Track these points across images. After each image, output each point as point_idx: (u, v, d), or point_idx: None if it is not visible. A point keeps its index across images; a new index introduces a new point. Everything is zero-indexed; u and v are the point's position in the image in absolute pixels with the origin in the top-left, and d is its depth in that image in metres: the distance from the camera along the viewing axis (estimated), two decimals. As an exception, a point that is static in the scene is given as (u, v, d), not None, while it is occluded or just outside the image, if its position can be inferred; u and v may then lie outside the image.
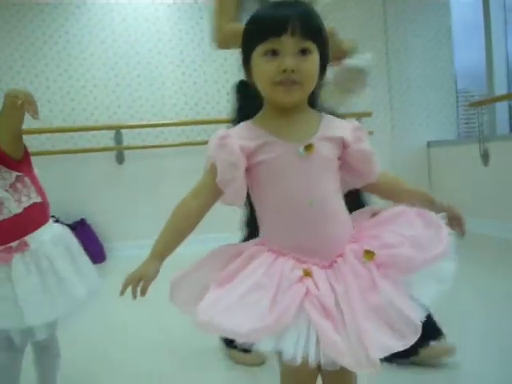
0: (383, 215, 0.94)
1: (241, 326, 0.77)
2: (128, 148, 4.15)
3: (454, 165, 4.17)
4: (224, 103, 4.30)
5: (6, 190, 1.29)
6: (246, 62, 0.93)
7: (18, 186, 1.31)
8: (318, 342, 0.77)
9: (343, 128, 0.94)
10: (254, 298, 0.80)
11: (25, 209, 1.31)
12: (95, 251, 3.90)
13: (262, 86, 0.91)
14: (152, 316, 2.39)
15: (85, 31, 4.13)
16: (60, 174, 3.96)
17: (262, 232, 0.95)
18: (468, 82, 4.89)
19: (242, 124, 0.95)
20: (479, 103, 3.88)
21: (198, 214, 0.93)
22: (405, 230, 0.90)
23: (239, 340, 0.77)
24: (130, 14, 4.19)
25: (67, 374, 1.63)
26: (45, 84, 4.08)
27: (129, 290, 0.88)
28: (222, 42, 1.59)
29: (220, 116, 4.21)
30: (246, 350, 1.59)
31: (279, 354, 0.78)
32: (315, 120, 0.95)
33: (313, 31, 0.89)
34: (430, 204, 0.97)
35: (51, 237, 1.34)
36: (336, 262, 0.88)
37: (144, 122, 4.19)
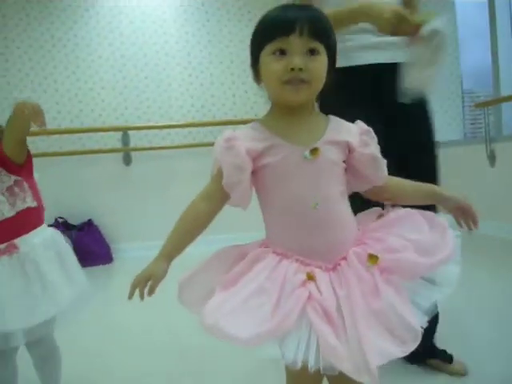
0: (388, 217, 0.94)
1: (243, 331, 0.77)
2: (135, 149, 4.18)
3: (461, 166, 4.15)
4: (230, 105, 4.32)
5: (2, 193, 1.30)
6: (255, 62, 0.94)
7: (16, 189, 1.33)
8: (318, 346, 0.77)
9: (350, 131, 0.95)
10: (257, 302, 0.81)
11: (18, 212, 1.31)
12: (102, 252, 3.92)
13: (269, 85, 0.92)
14: (159, 316, 2.41)
15: (93, 34, 4.17)
16: (68, 175, 3.99)
17: (266, 233, 0.95)
18: (474, 83, 4.88)
19: (250, 125, 0.95)
20: (485, 104, 3.87)
21: (207, 216, 0.94)
22: (409, 233, 0.90)
23: (241, 345, 0.78)
24: (138, 17, 4.22)
25: (71, 375, 1.64)
26: (53, 86, 4.12)
27: (137, 291, 0.89)
28: None
29: (226, 117, 4.23)
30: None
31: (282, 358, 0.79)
32: (322, 123, 0.95)
33: (321, 32, 0.89)
34: (438, 197, 0.96)
35: (42, 240, 1.34)
36: (340, 264, 0.88)
37: (151, 124, 4.22)
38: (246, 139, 0.90)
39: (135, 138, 4.19)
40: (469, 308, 2.21)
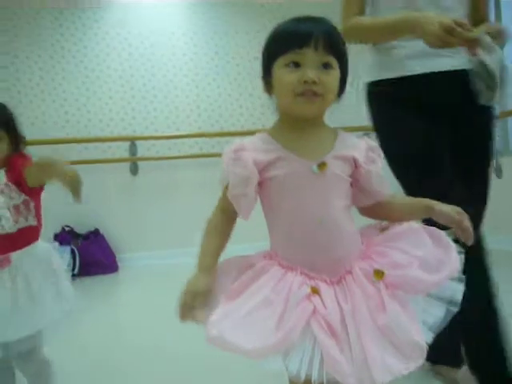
0: (392, 232, 0.94)
1: (247, 344, 0.77)
2: (142, 159, 4.20)
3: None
4: (237, 116, 4.34)
5: (9, 209, 1.31)
6: (266, 73, 0.94)
7: (22, 208, 1.34)
8: (322, 360, 0.77)
9: (357, 147, 0.95)
10: (262, 314, 0.81)
11: (19, 229, 1.33)
12: (108, 261, 3.93)
13: (282, 97, 0.91)
14: (166, 325, 2.41)
15: (102, 45, 4.22)
16: (75, 184, 4.02)
17: (271, 245, 0.96)
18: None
19: (258, 135, 0.95)
20: (492, 118, 3.85)
21: (227, 228, 0.97)
22: (414, 248, 0.89)
23: (245, 357, 0.78)
24: (146, 28, 4.28)
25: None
26: (62, 96, 4.17)
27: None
28: (344, 35, 1.46)
29: (233, 128, 4.25)
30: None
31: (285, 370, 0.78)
32: (330, 137, 0.95)
33: (335, 47, 0.90)
34: (433, 212, 0.95)
35: (35, 255, 1.36)
36: (344, 278, 0.88)
37: (158, 134, 4.25)
38: (253, 150, 0.90)
39: (142, 148, 4.22)
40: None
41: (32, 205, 1.37)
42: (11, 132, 1.35)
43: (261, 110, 4.27)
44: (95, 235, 4.01)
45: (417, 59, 1.33)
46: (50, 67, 4.15)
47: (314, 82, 0.86)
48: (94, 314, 2.58)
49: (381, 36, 1.35)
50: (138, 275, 3.69)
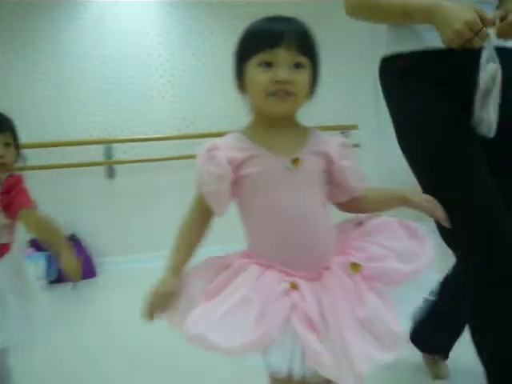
0: (368, 226, 0.96)
1: (227, 342, 0.78)
2: (118, 162, 4.15)
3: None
4: (213, 117, 4.33)
5: None
6: (239, 73, 0.95)
7: (3, 231, 1.35)
8: (303, 354, 0.78)
9: (330, 144, 0.97)
10: (241, 312, 0.82)
11: None
12: (85, 267, 3.87)
13: (254, 96, 0.93)
14: (146, 330, 2.38)
15: (76, 46, 4.15)
16: (50, 188, 3.95)
17: (248, 244, 0.96)
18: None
19: (232, 134, 0.97)
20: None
21: (203, 226, 0.97)
22: (390, 241, 0.92)
23: (226, 355, 0.78)
24: (121, 29, 4.23)
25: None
26: (36, 98, 4.08)
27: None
28: (350, 11, 1.31)
29: (210, 130, 4.24)
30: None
31: (267, 367, 0.79)
32: (303, 134, 0.97)
33: (308, 47, 0.91)
34: (407, 202, 0.98)
35: (5, 268, 1.35)
36: (322, 274, 0.89)
37: (135, 137, 4.21)
38: (227, 149, 0.92)
39: (119, 151, 4.17)
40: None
41: (13, 227, 1.38)
42: (16, 140, 1.43)
43: (237, 112, 4.23)
44: (72, 240, 3.94)
45: (435, 32, 1.14)
46: (23, 68, 4.06)
47: (287, 82, 0.88)
48: (72, 319, 2.54)
49: (390, 16, 1.21)
50: (118, 279, 3.64)
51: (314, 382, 0.78)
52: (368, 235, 0.94)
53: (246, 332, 0.79)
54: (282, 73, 0.87)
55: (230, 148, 0.92)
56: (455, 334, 1.57)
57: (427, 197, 0.98)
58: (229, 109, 4.23)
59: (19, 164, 1.43)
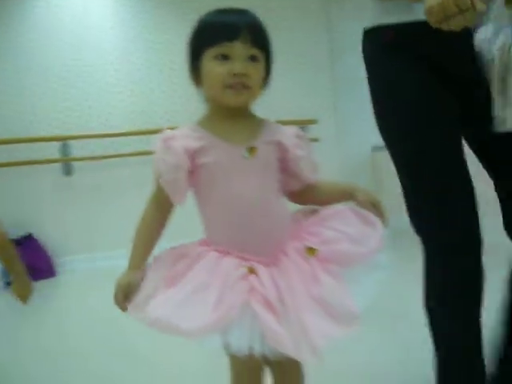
0: (322, 213, 1.01)
1: (186, 324, 0.81)
2: (75, 159, 4.07)
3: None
4: (171, 112, 4.30)
5: None
6: (193, 64, 0.96)
7: None
8: (262, 334, 0.82)
9: (284, 133, 1.00)
10: (200, 297, 0.84)
11: None
12: (44, 267, 3.78)
13: (211, 88, 0.95)
14: (112, 328, 2.37)
15: (31, 41, 4.02)
16: (4, 187, 3.82)
17: (206, 232, 0.99)
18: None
19: (188, 126, 0.99)
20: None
21: (161, 220, 0.99)
22: (343, 226, 0.96)
23: (186, 337, 0.81)
24: (76, 24, 4.12)
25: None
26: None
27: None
28: None
29: (168, 125, 4.21)
30: None
31: (226, 348, 0.83)
32: (258, 124, 1.00)
33: (261, 40, 0.94)
34: (354, 197, 1.02)
35: None
36: (279, 259, 0.93)
37: (91, 133, 4.13)
38: (183, 138, 0.94)
39: (77, 148, 4.08)
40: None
41: None
42: None
43: (196, 106, 4.24)
44: (29, 240, 3.84)
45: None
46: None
47: (244, 75, 0.90)
48: (31, 320, 2.48)
49: None
50: (78, 278, 3.59)
51: (274, 359, 0.82)
52: (322, 221, 0.99)
53: (205, 314, 0.81)
54: (240, 66, 0.90)
55: (186, 137, 0.94)
56: None
57: (375, 199, 1.01)
58: (187, 103, 4.22)
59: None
